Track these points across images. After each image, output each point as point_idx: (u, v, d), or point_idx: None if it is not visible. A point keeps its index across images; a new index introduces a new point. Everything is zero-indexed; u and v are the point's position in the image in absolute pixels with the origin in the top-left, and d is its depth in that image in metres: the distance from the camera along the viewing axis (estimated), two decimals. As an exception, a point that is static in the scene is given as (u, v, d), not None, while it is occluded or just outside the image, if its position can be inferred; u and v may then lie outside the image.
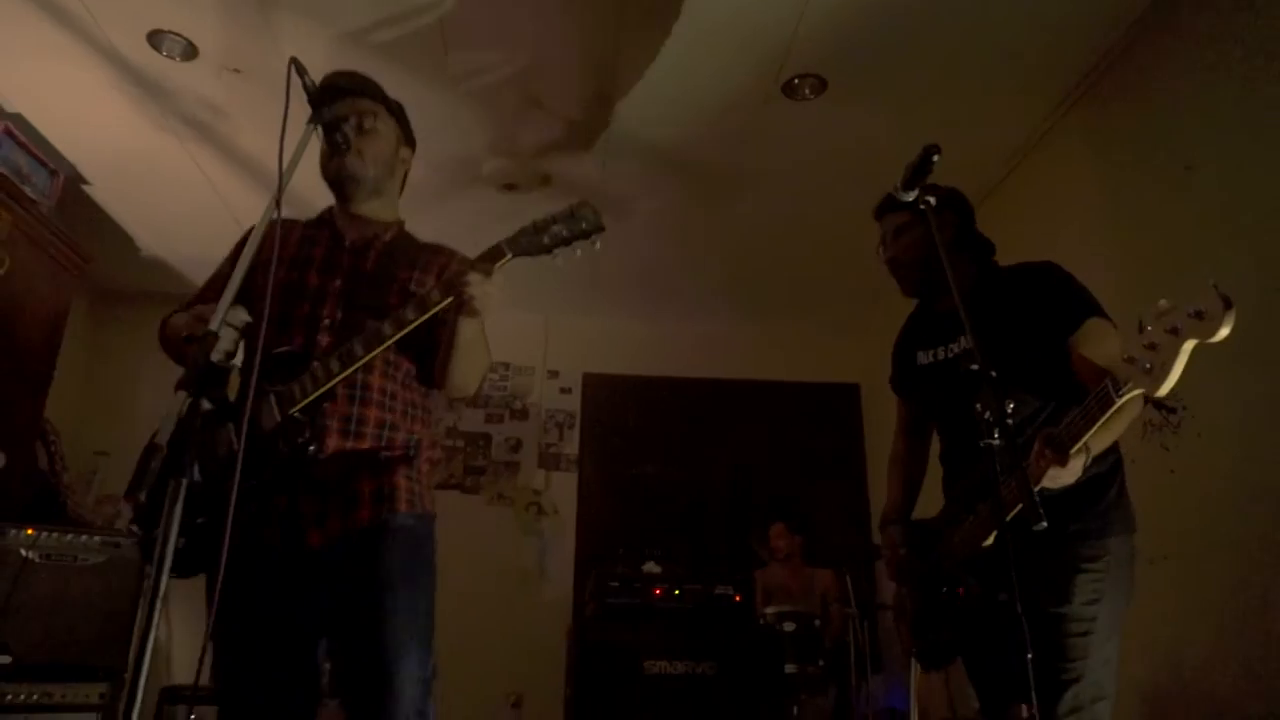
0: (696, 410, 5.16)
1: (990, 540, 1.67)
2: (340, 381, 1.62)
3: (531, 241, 1.57)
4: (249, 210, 4.10)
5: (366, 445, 1.66)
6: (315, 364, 1.60)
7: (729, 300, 5.01)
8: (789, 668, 2.93)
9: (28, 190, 3.45)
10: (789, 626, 3.32)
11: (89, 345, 4.74)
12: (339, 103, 1.80)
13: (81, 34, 2.99)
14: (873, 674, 3.58)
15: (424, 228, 1.96)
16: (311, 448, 1.57)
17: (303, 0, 2.79)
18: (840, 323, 5.19)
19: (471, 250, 1.96)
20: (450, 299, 1.57)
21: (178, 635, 4.22)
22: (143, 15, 2.90)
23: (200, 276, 5.25)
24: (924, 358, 2.04)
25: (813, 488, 4.94)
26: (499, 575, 4.60)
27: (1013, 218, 3.46)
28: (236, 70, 3.14)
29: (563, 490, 4.96)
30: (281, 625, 1.58)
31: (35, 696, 2.57)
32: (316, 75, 3.03)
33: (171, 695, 2.84)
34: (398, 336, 1.59)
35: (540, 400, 5.10)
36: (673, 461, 5.04)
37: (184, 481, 1.04)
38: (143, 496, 1.00)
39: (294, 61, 1.51)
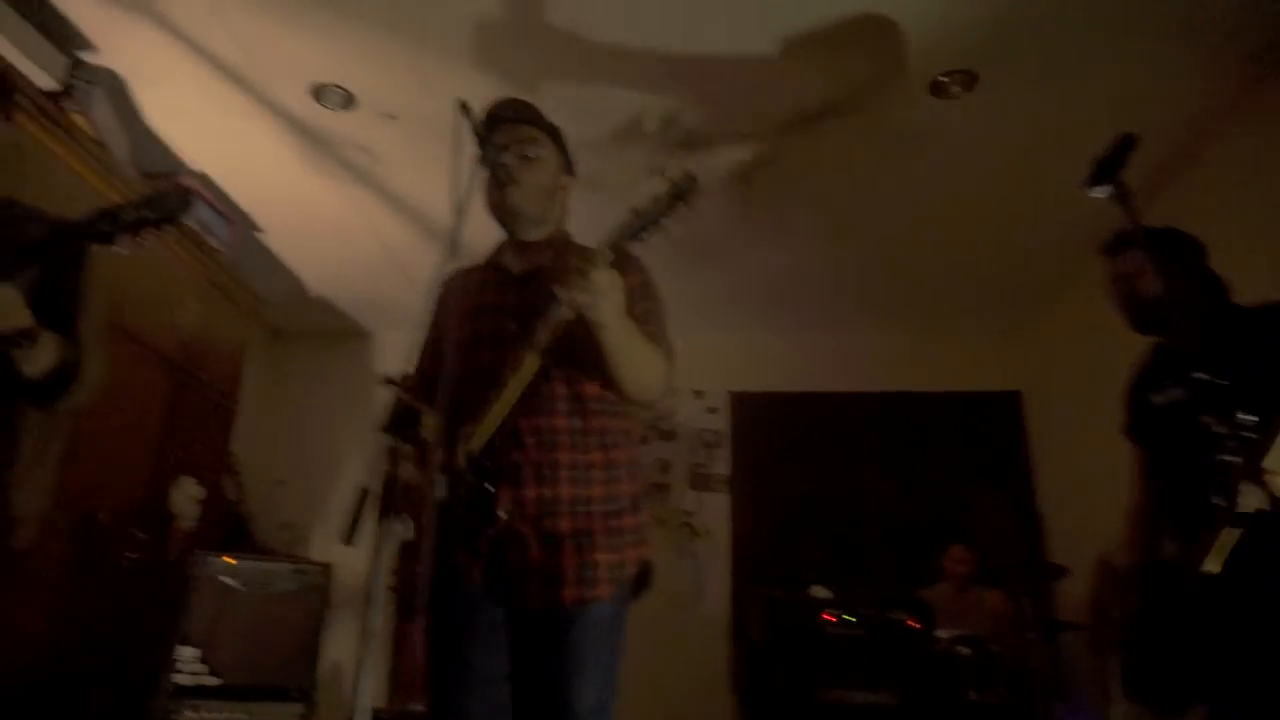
0: (849, 425, 5.00)
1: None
2: (527, 428, 1.63)
3: (627, 226, 1.51)
4: (406, 248, 4.30)
5: (565, 492, 1.65)
6: (490, 407, 1.60)
7: (876, 310, 4.86)
8: (971, 695, 2.77)
9: (211, 241, 3.73)
10: (964, 651, 3.15)
11: (263, 381, 5.06)
12: (500, 130, 1.81)
13: (252, 93, 3.20)
14: (1058, 702, 3.35)
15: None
16: (490, 488, 1.59)
17: (453, 45, 2.89)
18: (997, 327, 4.94)
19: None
20: (568, 311, 1.52)
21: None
22: (305, 71, 3.07)
23: (361, 313, 5.56)
24: (1158, 399, 1.97)
25: (975, 503, 4.70)
26: (654, 597, 4.56)
27: (1206, 193, 3.19)
28: (392, 116, 3.28)
29: (715, 511, 4.91)
30: (476, 663, 1.62)
31: (240, 716, 2.73)
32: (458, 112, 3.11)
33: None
34: (538, 364, 1.58)
35: (687, 420, 5.07)
36: (827, 479, 4.90)
37: (393, 524, 1.05)
38: (354, 541, 1.01)
39: (461, 103, 1.52)
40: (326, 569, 3.02)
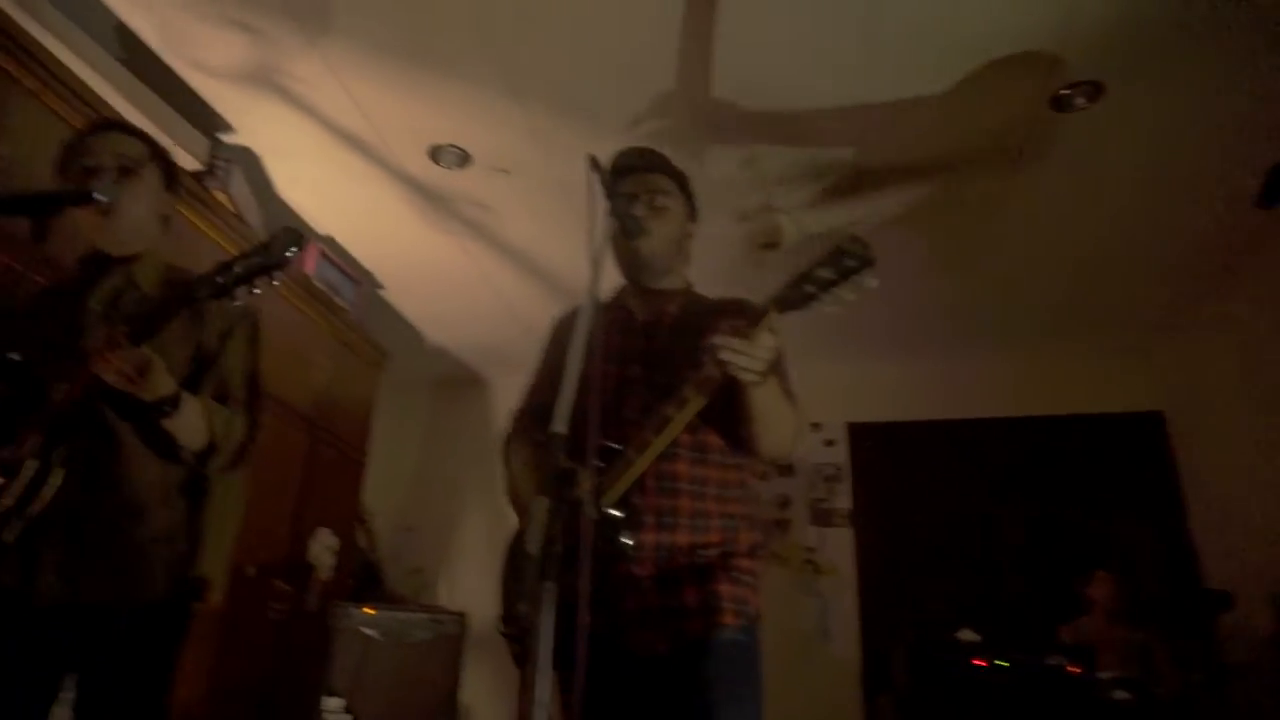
0: (975, 454, 4.78)
1: None
2: (649, 472, 1.60)
3: (795, 293, 1.49)
4: (520, 297, 4.40)
5: (683, 540, 1.63)
6: (620, 457, 1.59)
7: (998, 332, 4.66)
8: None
9: (338, 300, 3.90)
10: (1121, 695, 2.94)
11: (389, 430, 5.23)
12: (628, 180, 1.82)
13: (373, 158, 3.35)
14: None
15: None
16: (627, 542, 1.57)
17: (561, 99, 2.95)
18: (1132, 346, 4.66)
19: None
20: (721, 372, 1.50)
21: (493, 703, 4.47)
22: (423, 134, 3.20)
23: (477, 361, 5.69)
24: None
25: (1118, 531, 4.41)
26: (780, 637, 4.45)
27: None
28: (505, 170, 3.37)
29: (839, 546, 4.77)
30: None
31: (383, 765, 2.79)
32: (570, 166, 3.19)
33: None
34: (682, 418, 1.56)
35: (805, 454, 4.97)
36: (954, 510, 4.69)
37: (553, 586, 1.05)
38: (524, 609, 1.00)
39: (590, 158, 1.53)
40: (461, 618, 3.07)
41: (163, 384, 1.54)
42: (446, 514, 5.28)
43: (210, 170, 3.10)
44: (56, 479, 1.51)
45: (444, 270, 4.20)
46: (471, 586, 4.98)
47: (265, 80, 2.95)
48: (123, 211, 1.71)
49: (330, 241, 3.89)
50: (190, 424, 1.62)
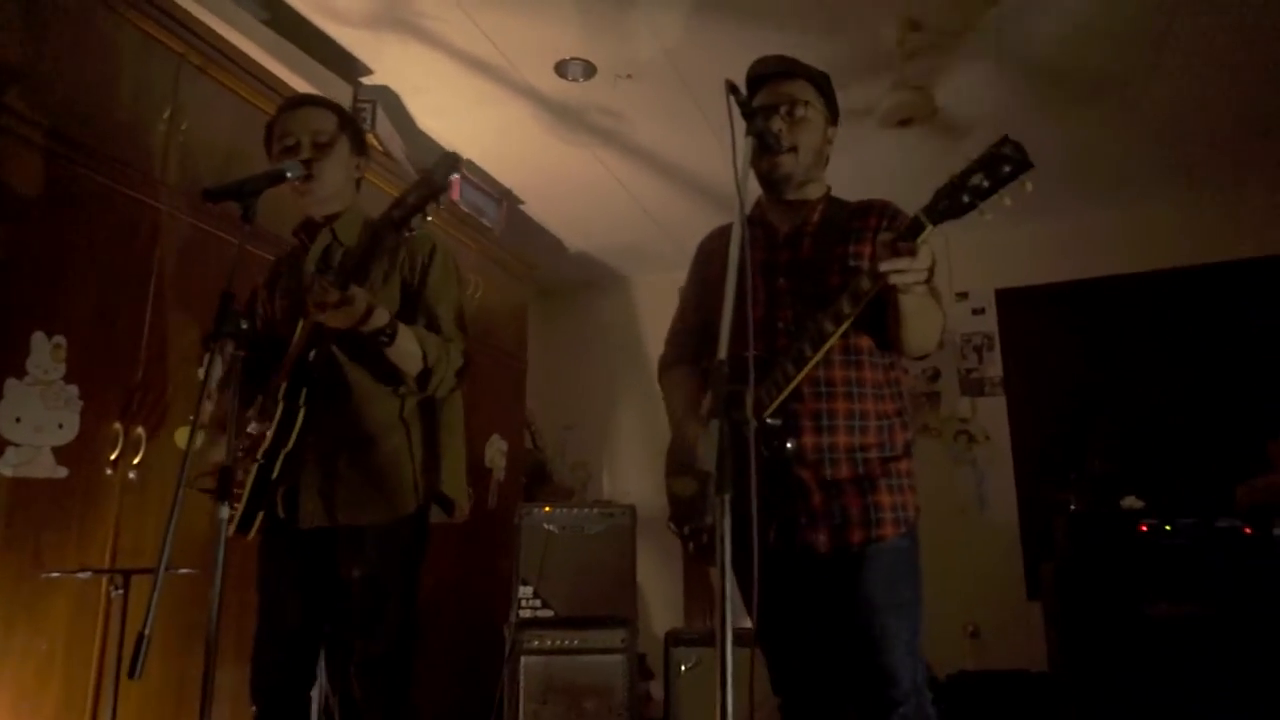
0: (1133, 311, 4.55)
1: None
2: (806, 379, 1.66)
3: (952, 203, 1.47)
4: (651, 197, 4.46)
5: (842, 440, 1.71)
6: (777, 370, 1.66)
7: (1162, 177, 4.33)
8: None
9: (484, 220, 4.09)
10: None
11: (542, 336, 5.50)
12: (764, 89, 1.81)
13: (503, 80, 3.44)
14: None
15: (838, 183, 1.95)
16: (789, 445, 1.67)
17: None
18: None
19: (895, 194, 1.94)
20: (880, 284, 1.52)
21: (660, 581, 4.83)
22: (548, 51, 3.26)
23: (618, 262, 5.83)
24: None
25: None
26: (937, 508, 4.49)
27: None
28: (629, 76, 3.40)
29: (991, 416, 4.73)
30: (783, 616, 1.73)
31: (575, 642, 3.12)
32: (691, 63, 3.15)
33: (675, 639, 3.25)
34: (840, 331, 1.61)
35: (953, 325, 4.88)
36: (1115, 372, 4.54)
37: (727, 497, 1.17)
38: (708, 520, 1.14)
39: (728, 83, 1.54)
40: (631, 511, 3.31)
41: (377, 317, 1.74)
42: (603, 410, 5.56)
43: (356, 113, 3.28)
44: (300, 417, 1.76)
45: (579, 180, 4.31)
46: (632, 476, 5.29)
47: (395, 19, 3.07)
48: (321, 179, 1.91)
49: (470, 165, 4.05)
50: (407, 350, 1.81)
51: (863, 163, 3.86)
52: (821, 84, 1.86)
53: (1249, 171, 4.24)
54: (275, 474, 1.79)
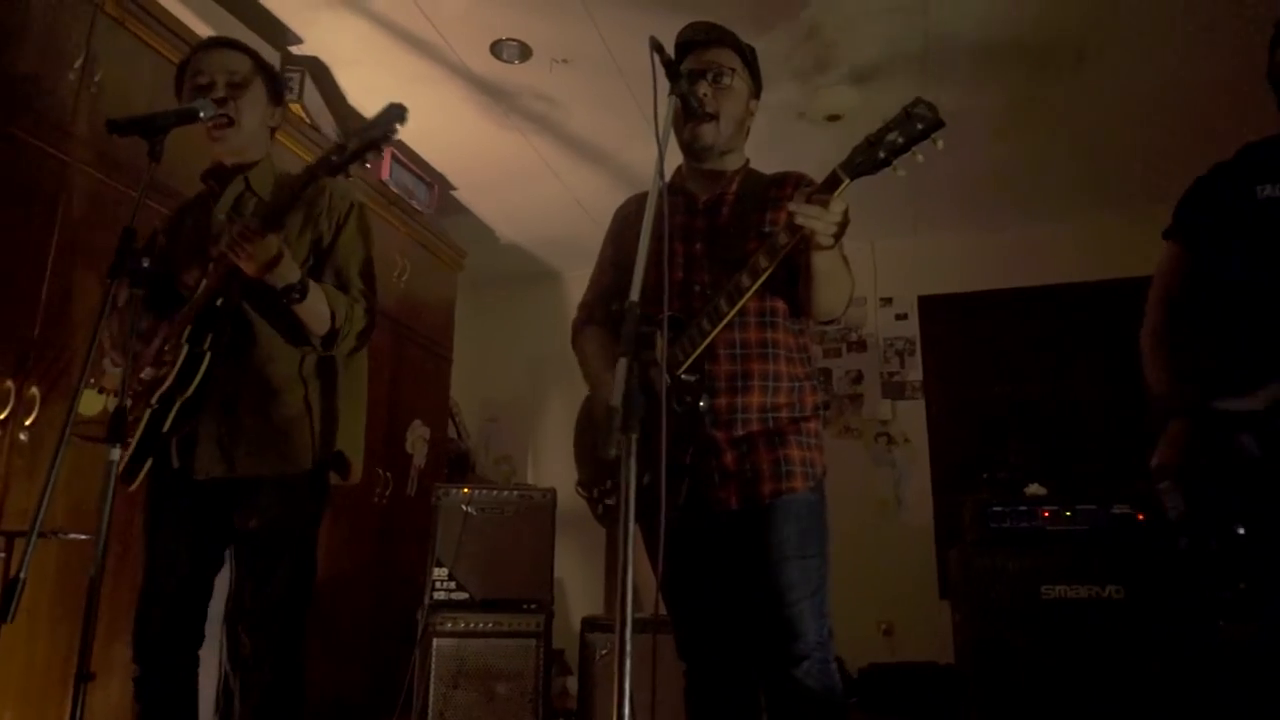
0: (1051, 321, 4.75)
1: None
2: (720, 340, 1.71)
3: (867, 159, 1.52)
4: (586, 188, 4.46)
5: (755, 400, 1.74)
6: (692, 326, 1.69)
7: (1081, 194, 4.51)
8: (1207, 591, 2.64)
9: (414, 203, 4.03)
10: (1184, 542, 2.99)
11: (469, 327, 5.44)
12: (692, 55, 1.84)
13: (437, 59, 3.41)
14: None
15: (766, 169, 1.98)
16: (701, 404, 1.69)
17: (617, -19, 2.95)
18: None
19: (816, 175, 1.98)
20: (796, 238, 1.57)
21: (580, 572, 4.80)
22: (484, 30, 3.24)
23: (549, 255, 5.79)
24: (1271, 191, 1.70)
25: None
26: (857, 507, 4.63)
27: None
28: (565, 60, 3.40)
29: (911, 419, 4.85)
30: (691, 574, 1.76)
31: (489, 625, 3.08)
32: (630, 52, 3.17)
33: (590, 625, 3.23)
34: (756, 286, 1.64)
35: (876, 330, 5.01)
36: (1029, 379, 4.71)
37: (633, 438, 1.17)
38: (613, 453, 1.13)
39: (652, 40, 1.57)
40: (551, 493, 3.29)
41: (290, 271, 1.71)
42: (529, 404, 5.53)
43: (284, 82, 3.21)
44: (204, 362, 1.71)
45: (512, 167, 4.28)
46: (556, 471, 5.25)
47: (327, -12, 3.01)
48: (239, 123, 1.86)
49: (401, 146, 4.00)
50: (315, 309, 1.78)
51: (793, 156, 3.91)
52: (748, 56, 1.90)
53: (1161, 191, 4.44)
54: (168, 423, 1.73)
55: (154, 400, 1.70)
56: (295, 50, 3.34)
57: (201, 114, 1.74)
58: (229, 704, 1.79)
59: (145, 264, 1.52)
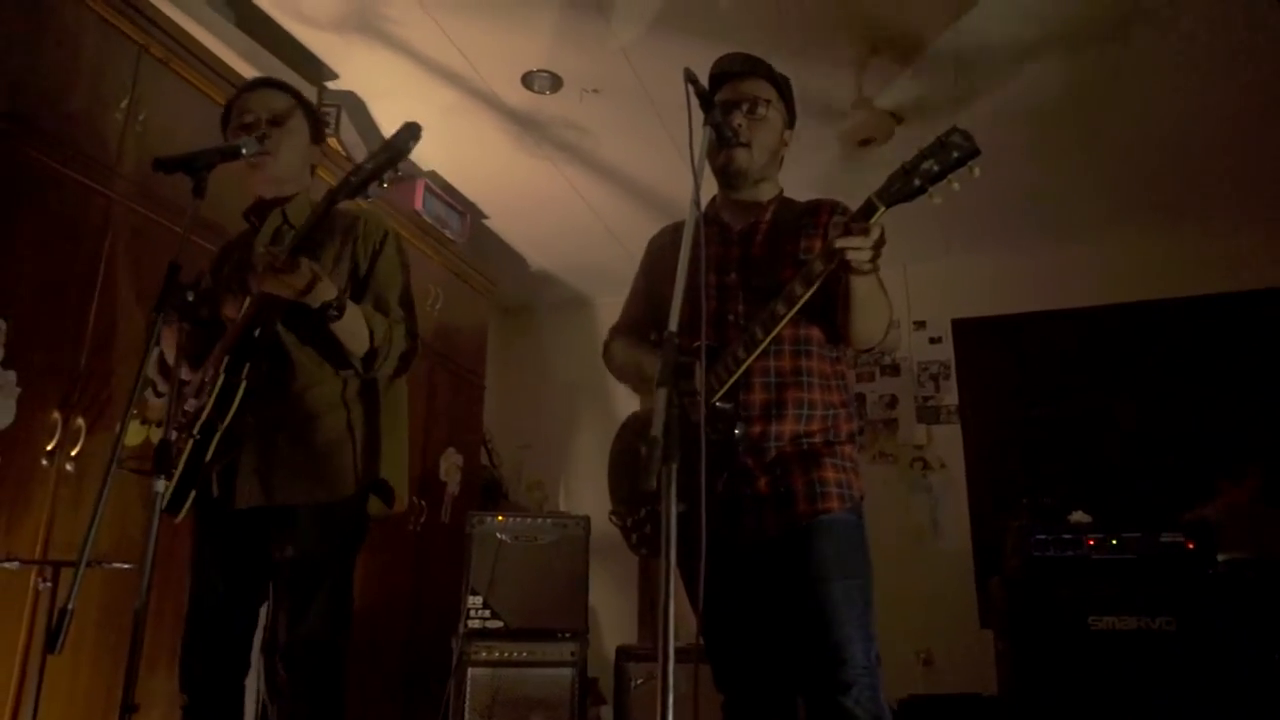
0: (1087, 344, 4.67)
1: None
2: (755, 368, 1.70)
3: (903, 186, 1.54)
4: (616, 216, 4.49)
5: (789, 429, 1.73)
6: (727, 355, 1.70)
7: (1113, 216, 4.47)
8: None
9: (447, 233, 4.08)
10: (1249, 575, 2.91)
11: (502, 355, 5.47)
12: (727, 85, 1.86)
13: (469, 90, 3.46)
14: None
15: (799, 196, 1.98)
16: (737, 431, 1.68)
17: (649, 14, 2.98)
18: (1262, 220, 4.40)
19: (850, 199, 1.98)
20: (832, 264, 1.57)
21: (614, 600, 4.77)
22: (516, 62, 3.29)
23: (580, 281, 5.83)
24: None
25: (1251, 415, 4.25)
26: (893, 534, 4.56)
27: None
28: (596, 90, 3.44)
29: (947, 443, 4.79)
30: (727, 604, 1.71)
31: (524, 654, 3.06)
32: (660, 82, 3.20)
33: (626, 654, 3.21)
34: (792, 313, 1.65)
35: (910, 354, 4.96)
36: (1066, 402, 4.63)
37: (674, 467, 1.17)
38: (653, 484, 1.12)
39: (687, 71, 1.58)
40: (585, 521, 3.28)
41: (325, 290, 1.72)
42: (561, 431, 5.53)
43: (321, 118, 3.27)
44: (240, 392, 1.73)
45: (543, 196, 4.32)
46: (588, 498, 5.24)
47: (363, 24, 3.08)
48: (277, 156, 1.90)
49: (434, 176, 4.05)
50: (354, 328, 1.79)
51: (823, 180, 3.92)
52: (782, 86, 1.92)
53: (1204, 212, 4.38)
54: (210, 453, 1.75)
55: (196, 431, 1.72)
56: (331, 85, 3.41)
57: (244, 150, 1.78)
58: (268, 732, 1.79)
59: (190, 298, 1.55)
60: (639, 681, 3.10)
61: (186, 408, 1.78)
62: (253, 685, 1.84)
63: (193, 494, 1.75)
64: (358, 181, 1.63)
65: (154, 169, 1.64)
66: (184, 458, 1.72)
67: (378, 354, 1.84)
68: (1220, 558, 2.93)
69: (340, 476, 1.83)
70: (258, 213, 1.99)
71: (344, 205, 1.74)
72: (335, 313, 1.73)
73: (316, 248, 1.75)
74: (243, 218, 2.04)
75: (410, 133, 1.65)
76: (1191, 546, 2.72)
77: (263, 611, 1.86)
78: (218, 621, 1.79)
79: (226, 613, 1.80)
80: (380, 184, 1.65)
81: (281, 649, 1.75)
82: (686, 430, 1.27)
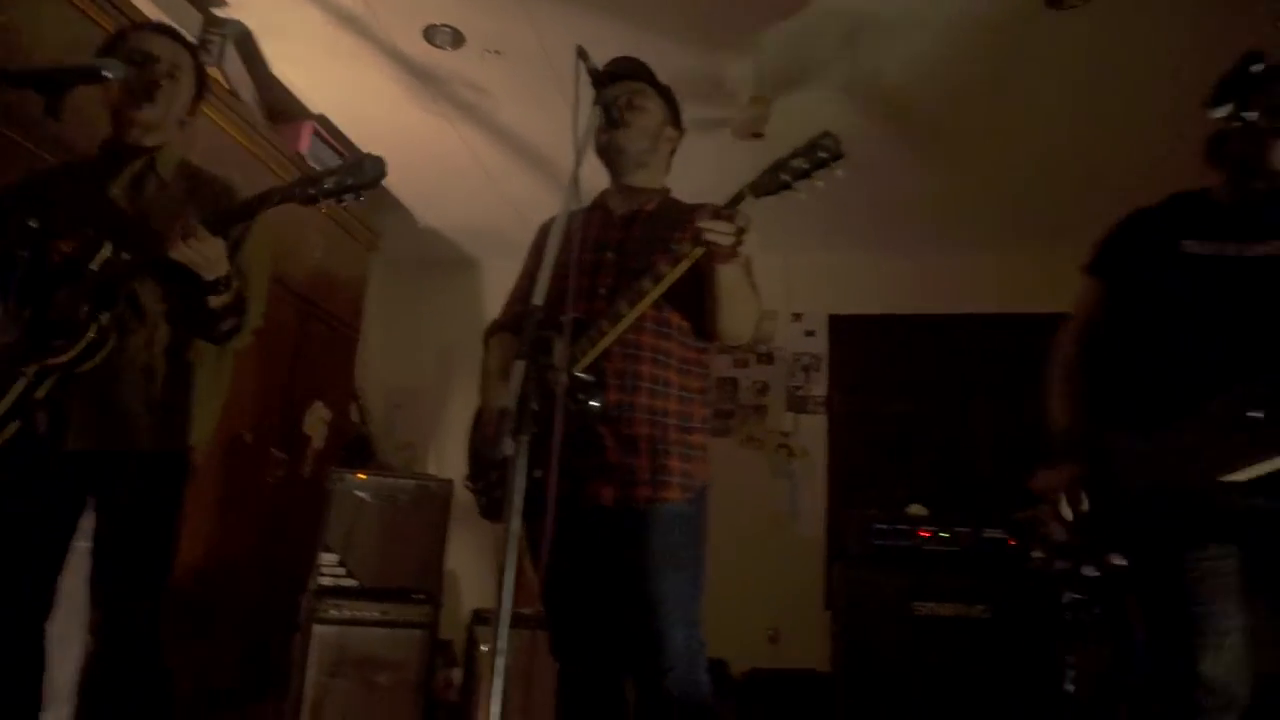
0: (950, 348, 4.93)
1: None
2: (616, 341, 1.76)
3: (771, 179, 1.64)
4: (509, 179, 4.44)
5: (643, 401, 1.80)
6: (592, 326, 1.75)
7: (994, 228, 4.72)
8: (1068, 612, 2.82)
9: (331, 180, 3.94)
10: (1037, 555, 3.16)
11: (381, 310, 5.34)
12: (615, 85, 1.93)
13: (368, 36, 3.35)
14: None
15: (696, 191, 2.05)
16: (593, 403, 1.73)
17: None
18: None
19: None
20: (700, 249, 1.66)
21: (474, 564, 4.77)
22: (418, 13, 3.20)
23: (468, 242, 5.73)
24: (1196, 248, 1.75)
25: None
26: (752, 515, 4.73)
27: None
28: (497, 52, 3.38)
29: (812, 432, 4.99)
30: (565, 573, 1.77)
31: (377, 614, 3.04)
32: (563, 50, 3.18)
33: (480, 617, 3.23)
34: (658, 291, 1.72)
35: (785, 344, 5.13)
36: (928, 402, 4.90)
37: (525, 438, 1.20)
38: (508, 451, 1.16)
39: (579, 49, 1.62)
40: (448, 484, 3.28)
41: (222, 265, 1.73)
42: (436, 393, 5.45)
43: (203, 45, 3.10)
44: (110, 344, 1.70)
45: (435, 153, 4.23)
46: (459, 462, 5.17)
47: (256, -48, 2.93)
48: (156, 105, 1.86)
49: (323, 120, 3.91)
50: (231, 305, 1.82)
51: (716, 171, 3.98)
52: (665, 94, 2.04)
53: (1068, 232, 4.67)
54: (43, 390, 1.68)
55: (55, 368, 1.66)
56: (218, 11, 3.23)
57: (105, 73, 1.68)
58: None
59: (33, 225, 1.46)
60: (486, 646, 3.13)
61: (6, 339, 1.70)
62: (74, 632, 1.78)
63: (14, 426, 1.68)
64: (311, 194, 1.63)
65: (1, 80, 1.54)
66: (14, 393, 1.64)
67: (239, 330, 1.88)
68: (1037, 554, 3.19)
69: (172, 427, 1.84)
70: (116, 152, 1.92)
71: (218, 172, 1.82)
72: (223, 288, 1.75)
73: (230, 222, 1.76)
74: (98, 148, 1.94)
75: (378, 168, 1.66)
76: (1013, 543, 2.96)
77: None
78: (23, 559, 1.74)
79: (33, 551, 1.75)
80: (337, 201, 1.67)
81: (101, 590, 1.73)
82: (544, 400, 1.30)
